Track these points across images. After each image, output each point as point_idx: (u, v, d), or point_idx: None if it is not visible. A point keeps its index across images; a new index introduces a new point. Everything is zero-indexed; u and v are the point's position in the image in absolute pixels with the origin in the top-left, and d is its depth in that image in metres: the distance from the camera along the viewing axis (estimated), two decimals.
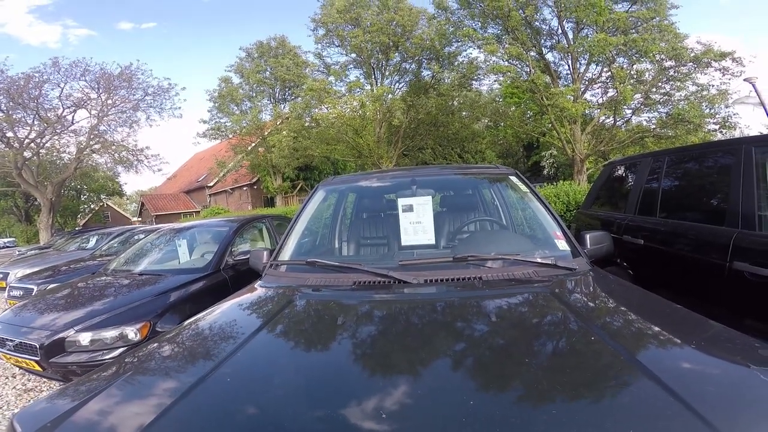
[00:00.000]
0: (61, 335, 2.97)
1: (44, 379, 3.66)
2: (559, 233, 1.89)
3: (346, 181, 3.03)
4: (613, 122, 11.65)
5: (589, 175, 11.91)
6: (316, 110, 14.39)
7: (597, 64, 11.31)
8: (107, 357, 2.87)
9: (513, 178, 2.45)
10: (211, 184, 27.39)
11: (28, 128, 17.09)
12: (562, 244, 1.81)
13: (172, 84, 18.60)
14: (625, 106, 11.00)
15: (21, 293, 5.35)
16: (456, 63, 14.13)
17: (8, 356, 3.20)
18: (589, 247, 1.81)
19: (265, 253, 2.14)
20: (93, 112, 17.94)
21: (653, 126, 11.97)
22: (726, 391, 0.83)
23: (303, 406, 0.85)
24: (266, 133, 17.87)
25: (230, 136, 18.72)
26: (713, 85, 11.06)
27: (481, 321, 1.31)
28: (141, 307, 3.18)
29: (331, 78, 15.16)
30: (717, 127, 10.67)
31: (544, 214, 2.07)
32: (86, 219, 32.69)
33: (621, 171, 3.84)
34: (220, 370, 1.02)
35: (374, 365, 1.06)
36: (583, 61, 11.59)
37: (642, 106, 11.75)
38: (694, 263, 2.41)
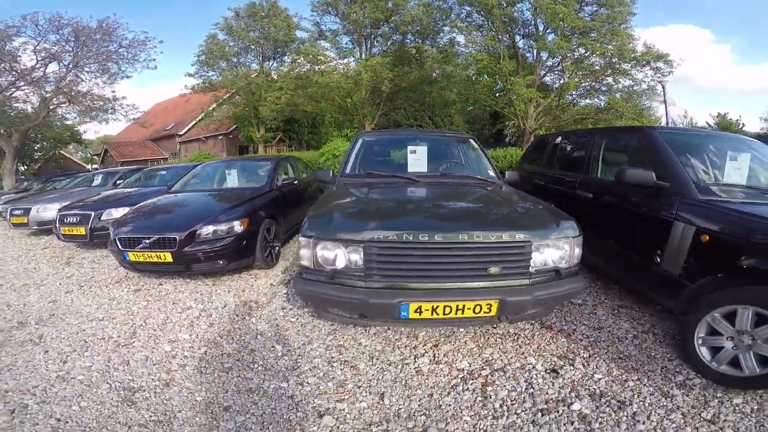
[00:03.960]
0: (193, 229, 4.01)
1: (151, 281, 4.49)
2: (490, 169, 3.91)
3: (376, 134, 4.90)
4: (557, 104, 13.82)
5: None
6: (312, 69, 15.51)
7: (554, 57, 13.33)
8: (220, 245, 4.03)
9: (471, 141, 4.46)
10: (182, 132, 27.56)
11: None
12: (492, 174, 3.86)
13: (149, 37, 18.77)
14: (568, 94, 13.25)
15: (77, 219, 6.18)
16: (438, 40, 15.79)
17: (138, 253, 4.06)
18: (506, 178, 3.75)
19: (329, 171, 4.06)
20: (65, 63, 17.94)
21: (592, 109, 14.31)
22: (528, 211, 2.78)
23: (396, 203, 2.90)
24: (252, 86, 18.69)
25: (217, 89, 19.37)
26: (645, 81, 13.48)
27: (451, 190, 3.30)
28: (238, 208, 4.39)
29: (326, 44, 16.42)
30: (635, 117, 13.05)
31: (485, 160, 4.03)
32: (38, 165, 31.62)
33: (541, 142, 5.82)
34: (368, 197, 2.96)
35: (410, 197, 3.11)
36: (545, 54, 13.67)
37: (587, 93, 14.04)
38: (563, 193, 4.35)
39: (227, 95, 20.51)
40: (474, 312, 2.26)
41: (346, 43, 17.08)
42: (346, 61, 16.32)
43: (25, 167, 26.87)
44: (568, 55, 12.80)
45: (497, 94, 15.10)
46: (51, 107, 19.04)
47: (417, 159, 3.93)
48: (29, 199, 9.44)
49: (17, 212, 8.39)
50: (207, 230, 4.09)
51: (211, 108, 22.34)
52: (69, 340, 3.21)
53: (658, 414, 2.13)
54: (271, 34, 18.48)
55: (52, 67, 18.21)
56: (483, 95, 14.82)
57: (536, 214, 2.70)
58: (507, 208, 2.83)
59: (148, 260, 4.12)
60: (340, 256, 2.35)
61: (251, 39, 18.48)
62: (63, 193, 9.63)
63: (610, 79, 13.72)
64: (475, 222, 2.52)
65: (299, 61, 16.15)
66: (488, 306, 2.25)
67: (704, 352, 2.43)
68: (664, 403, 2.21)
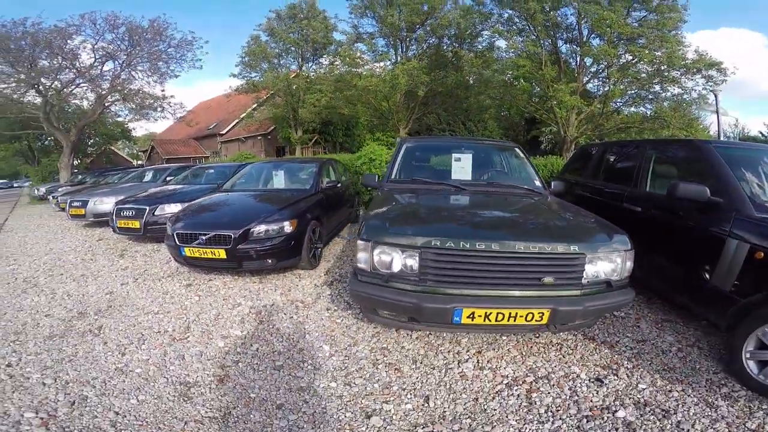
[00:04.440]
0: (247, 227, 4.17)
1: (201, 276, 4.68)
2: (537, 179, 3.96)
3: (419, 141, 4.99)
4: (601, 112, 13.43)
5: None
6: (349, 72, 15.80)
7: (599, 63, 13.00)
8: (270, 244, 4.17)
9: (517, 150, 4.54)
10: (224, 131, 28.62)
11: (52, 77, 18.11)
12: (538, 184, 3.90)
13: (195, 37, 19.66)
14: (613, 102, 12.87)
15: (133, 213, 6.58)
16: (476, 44, 15.82)
17: (194, 249, 4.22)
18: (552, 188, 3.79)
19: (375, 176, 4.16)
20: (119, 61, 19.04)
21: (637, 118, 13.82)
22: (580, 223, 2.76)
23: (449, 210, 3.05)
24: (292, 87, 19.13)
25: (260, 90, 20.07)
26: (696, 90, 12.83)
27: (500, 199, 3.40)
28: (287, 209, 4.55)
29: (363, 46, 16.73)
30: (683, 127, 12.51)
31: (531, 170, 4.12)
32: (90, 160, 33.54)
33: (585, 151, 5.72)
34: (421, 203, 3.07)
35: (462, 205, 3.22)
36: (589, 60, 13.29)
37: (633, 101, 13.61)
38: (609, 205, 4.22)
39: (267, 96, 21.14)
40: (526, 320, 2.35)
41: (382, 46, 17.32)
42: (382, 64, 16.60)
43: (79, 161, 28.44)
44: (614, 61, 12.38)
45: (536, 100, 14.81)
46: (106, 104, 20.18)
47: (461, 167, 3.99)
48: (86, 192, 10.08)
49: (76, 204, 8.97)
50: (259, 229, 4.26)
51: (252, 108, 23.11)
52: (126, 333, 3.36)
53: (703, 423, 2.16)
54: (310, 36, 18.85)
55: (108, 65, 19.33)
56: (522, 101, 14.59)
57: (590, 227, 2.76)
58: (560, 219, 2.91)
59: (202, 256, 4.31)
60: (396, 260, 2.46)
61: (292, 41, 18.91)
62: (117, 187, 10.22)
63: (657, 87, 13.18)
64: (531, 233, 2.62)
65: (337, 63, 16.44)
66: (540, 314, 2.33)
67: (752, 366, 2.46)
68: (709, 413, 2.24)
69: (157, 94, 20.14)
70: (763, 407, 2.27)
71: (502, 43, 14.67)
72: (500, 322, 2.36)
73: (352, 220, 7.58)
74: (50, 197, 13.91)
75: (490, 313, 2.33)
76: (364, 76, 15.02)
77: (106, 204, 8.59)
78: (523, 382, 2.54)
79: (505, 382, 2.56)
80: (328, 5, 35.79)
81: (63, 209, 10.50)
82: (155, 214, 6.57)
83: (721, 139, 13.73)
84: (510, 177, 4.29)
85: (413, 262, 2.43)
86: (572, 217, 2.97)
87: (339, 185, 6.22)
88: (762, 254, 2.44)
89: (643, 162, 4.05)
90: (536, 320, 2.36)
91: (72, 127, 20.41)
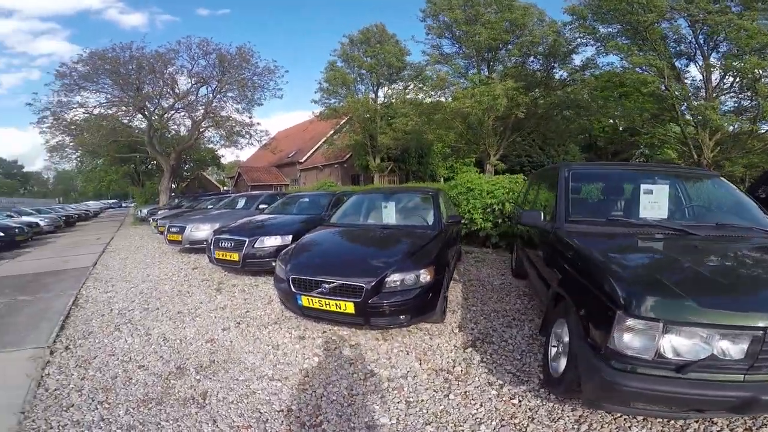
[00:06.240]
0: (382, 276, 3.34)
1: (311, 325, 3.99)
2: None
3: (585, 167, 3.96)
4: (750, 132, 11.38)
5: None
6: (438, 94, 15.23)
7: (736, 78, 11.15)
8: (406, 297, 3.33)
9: (721, 179, 3.50)
10: (302, 159, 29.47)
11: (155, 102, 19.44)
12: None
13: (277, 66, 20.39)
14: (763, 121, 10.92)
15: (231, 244, 6.24)
16: (568, 62, 14.58)
17: (314, 299, 3.50)
18: None
19: (540, 213, 3.35)
20: (211, 88, 20.17)
21: None
22: None
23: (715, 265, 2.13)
24: (370, 113, 19.09)
25: (340, 115, 20.36)
26: None
27: (738, 250, 2.50)
28: (422, 253, 3.74)
29: (446, 68, 16.10)
30: None
31: (752, 204, 3.12)
32: (185, 184, 36.17)
33: None
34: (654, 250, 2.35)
35: (726, 259, 2.34)
36: (716, 74, 11.60)
37: None
38: None
39: (345, 121, 21.27)
40: None
41: (462, 68, 16.62)
42: (468, 85, 15.80)
43: (176, 185, 30.68)
44: (760, 73, 10.51)
45: (650, 121, 13.05)
46: (200, 130, 21.39)
47: (653, 201, 3.06)
48: (182, 218, 10.25)
49: (174, 230, 9.14)
50: (394, 278, 3.42)
51: (330, 133, 23.48)
52: (239, 407, 2.71)
53: None
54: (384, 60, 18.75)
55: (201, 91, 20.53)
56: (639, 121, 12.93)
57: None
58: None
59: (324, 308, 3.53)
60: (705, 344, 1.75)
61: (367, 65, 18.89)
62: (212, 214, 10.27)
63: None
64: None
65: (411, 87, 15.87)
66: None
67: None
68: None
69: (245, 120, 20.99)
70: None
71: (607, 60, 13.29)
72: None
73: (458, 258, 6.64)
74: (151, 219, 14.73)
75: None
76: (455, 97, 14.27)
77: (201, 231, 8.62)
78: None
79: None
80: (397, 31, 36.50)
81: (161, 232, 10.88)
82: (255, 246, 6.16)
83: None
84: (728, 215, 3.22)
85: (737, 346, 1.72)
86: None
87: (462, 220, 5.25)
88: None
89: None
90: None
91: (171, 152, 21.81)
